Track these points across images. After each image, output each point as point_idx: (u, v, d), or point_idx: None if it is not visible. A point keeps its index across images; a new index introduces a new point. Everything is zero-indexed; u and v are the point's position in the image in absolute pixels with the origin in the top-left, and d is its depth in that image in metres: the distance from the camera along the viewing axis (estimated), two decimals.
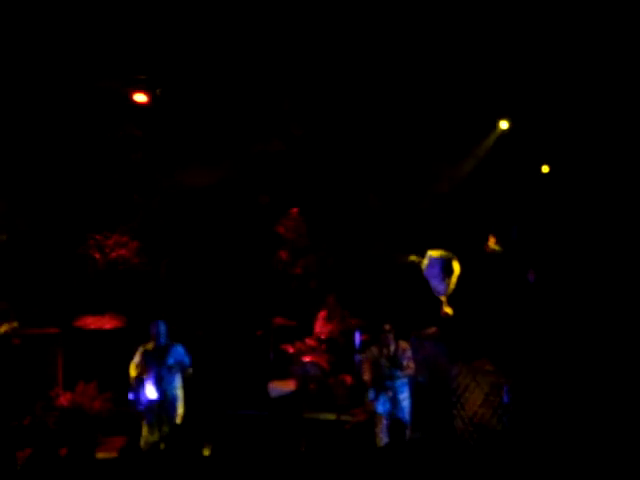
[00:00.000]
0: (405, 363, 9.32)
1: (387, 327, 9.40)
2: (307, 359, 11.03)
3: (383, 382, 9.19)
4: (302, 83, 11.02)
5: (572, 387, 9.45)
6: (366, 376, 9.41)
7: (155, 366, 9.09)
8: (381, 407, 9.18)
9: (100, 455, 7.86)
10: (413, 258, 11.82)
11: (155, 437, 8.87)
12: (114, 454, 8.51)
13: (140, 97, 10.88)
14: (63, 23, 9.61)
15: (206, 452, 6.67)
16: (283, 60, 10.38)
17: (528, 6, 9.52)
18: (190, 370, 9.38)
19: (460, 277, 11.56)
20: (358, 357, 10.55)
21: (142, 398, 9.09)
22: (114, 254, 11.78)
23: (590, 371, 9.77)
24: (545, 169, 11.67)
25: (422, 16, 9.73)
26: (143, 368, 9.13)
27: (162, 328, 9.22)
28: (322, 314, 11.53)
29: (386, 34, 9.94)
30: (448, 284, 11.44)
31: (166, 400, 9.10)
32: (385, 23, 9.79)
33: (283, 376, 11.37)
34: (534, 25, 9.67)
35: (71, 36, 9.78)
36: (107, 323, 11.53)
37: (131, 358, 9.34)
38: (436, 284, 11.49)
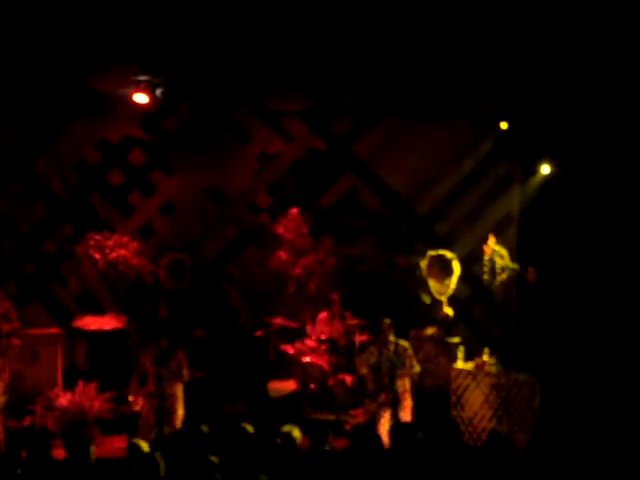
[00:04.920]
0: (407, 362, 9.34)
1: (387, 327, 9.41)
2: (307, 360, 11.03)
3: (383, 382, 9.20)
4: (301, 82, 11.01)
5: (573, 386, 9.46)
6: (366, 377, 9.43)
7: (155, 367, 9.11)
8: (381, 407, 9.19)
9: (100, 455, 7.84)
10: (413, 259, 11.82)
11: (155, 438, 8.87)
12: (114, 454, 8.55)
13: (140, 97, 10.87)
14: (63, 22, 9.60)
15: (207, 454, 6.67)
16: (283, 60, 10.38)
17: (530, 5, 9.51)
18: (189, 371, 9.41)
19: (460, 277, 11.58)
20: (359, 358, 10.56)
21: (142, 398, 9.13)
22: (114, 254, 11.76)
23: (591, 370, 9.78)
24: (545, 169, 11.64)
25: (422, 15, 9.73)
26: (144, 369, 9.17)
27: (163, 328, 9.25)
28: (323, 315, 11.53)
29: (384, 33, 9.93)
30: (448, 284, 11.45)
31: (166, 401, 9.13)
32: (383, 23, 9.79)
33: (283, 376, 11.37)
34: (535, 24, 9.67)
35: (70, 36, 9.78)
36: (107, 323, 11.53)
37: (131, 358, 9.36)
38: (436, 284, 11.50)
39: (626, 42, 9.56)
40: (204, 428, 6.88)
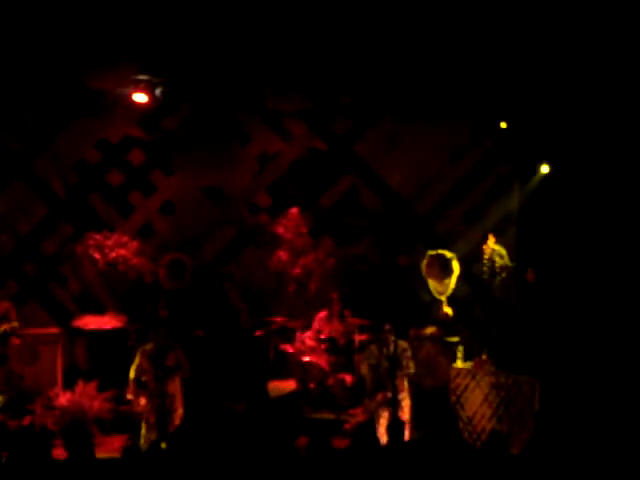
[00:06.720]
0: (405, 363, 9.35)
1: (387, 327, 9.42)
2: (307, 359, 11.03)
3: (383, 382, 9.21)
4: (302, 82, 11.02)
5: (572, 386, 9.46)
6: (366, 376, 9.43)
7: (154, 366, 9.12)
8: (381, 407, 9.20)
9: (100, 455, 7.85)
10: (414, 258, 11.83)
11: (155, 437, 8.88)
12: (114, 454, 8.54)
13: (140, 97, 10.87)
14: (62, 22, 9.61)
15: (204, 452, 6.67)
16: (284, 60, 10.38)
17: (527, 6, 9.51)
18: (188, 370, 9.42)
19: (460, 277, 11.58)
20: (358, 357, 10.57)
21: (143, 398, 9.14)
22: (114, 254, 11.77)
23: (590, 370, 9.78)
24: (545, 169, 11.66)
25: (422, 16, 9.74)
26: (143, 369, 9.17)
27: (161, 328, 9.26)
28: (322, 314, 11.53)
29: (384, 34, 9.94)
30: (448, 284, 11.45)
31: (165, 400, 9.13)
32: (383, 24, 9.79)
33: (283, 376, 11.37)
34: (534, 24, 9.67)
35: (70, 35, 9.79)
36: (107, 323, 11.54)
37: (131, 358, 9.36)
38: (436, 284, 11.50)
39: (623, 43, 9.58)
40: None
